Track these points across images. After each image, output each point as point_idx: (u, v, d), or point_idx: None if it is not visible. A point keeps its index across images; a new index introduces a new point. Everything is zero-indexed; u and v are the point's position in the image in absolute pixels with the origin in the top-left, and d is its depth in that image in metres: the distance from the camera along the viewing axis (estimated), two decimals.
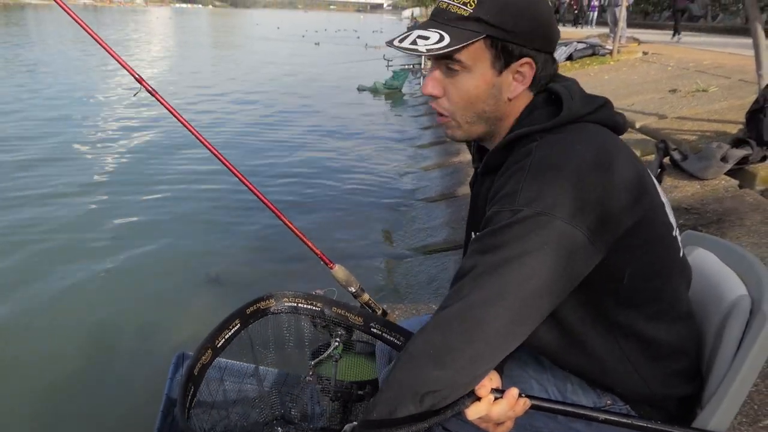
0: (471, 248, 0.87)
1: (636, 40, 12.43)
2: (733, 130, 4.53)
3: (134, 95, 1.17)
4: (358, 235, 4.68)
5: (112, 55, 1.18)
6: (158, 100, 1.20)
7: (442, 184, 5.57)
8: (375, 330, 1.21)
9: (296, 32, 44.21)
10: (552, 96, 0.96)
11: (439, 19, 0.92)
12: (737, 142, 3.87)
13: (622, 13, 10.60)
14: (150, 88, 1.19)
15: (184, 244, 4.42)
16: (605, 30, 14.08)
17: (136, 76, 1.18)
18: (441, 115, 0.99)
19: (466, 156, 6.28)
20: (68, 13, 1.20)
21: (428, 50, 0.89)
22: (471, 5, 0.89)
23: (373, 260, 4.13)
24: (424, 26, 0.93)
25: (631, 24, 14.67)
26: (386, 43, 0.97)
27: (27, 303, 3.46)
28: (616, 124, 0.95)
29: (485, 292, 0.81)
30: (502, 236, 0.82)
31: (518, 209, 0.81)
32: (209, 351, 1.17)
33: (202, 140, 1.22)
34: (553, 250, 0.80)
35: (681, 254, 0.98)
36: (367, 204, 5.44)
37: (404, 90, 13.13)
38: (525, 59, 0.92)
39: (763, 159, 3.76)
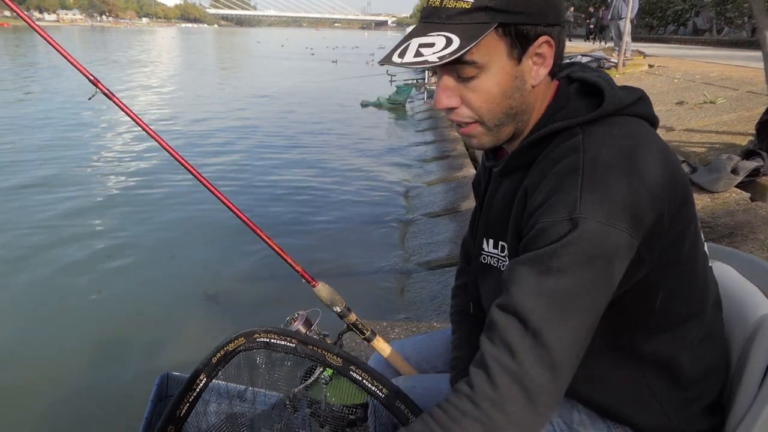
0: (523, 270, 0.73)
1: (641, 53, 12.39)
2: (743, 141, 4.43)
3: (89, 98, 1.09)
4: (359, 250, 4.59)
5: (65, 57, 1.11)
6: (116, 103, 1.12)
7: (445, 199, 5.48)
8: (354, 375, 1.11)
9: (304, 50, 44.55)
10: (584, 87, 0.85)
11: (436, 19, 0.79)
12: (748, 154, 3.78)
13: (626, 27, 10.57)
14: (106, 91, 1.10)
15: (174, 266, 4.34)
16: (637, 45, 14.01)
17: (91, 77, 1.09)
18: (464, 124, 0.86)
19: (470, 170, 6.20)
20: (22, 17, 1.13)
21: (440, 58, 0.75)
22: None
23: (374, 276, 4.04)
24: (422, 32, 0.79)
25: (636, 38, 14.64)
26: (381, 62, 0.84)
27: (20, 320, 3.41)
28: (654, 118, 0.85)
29: (560, 328, 0.71)
30: (566, 255, 0.71)
31: (579, 218, 0.70)
32: (170, 428, 1.07)
33: (165, 145, 1.14)
34: (617, 265, 0.72)
35: (710, 270, 0.89)
36: (369, 219, 5.36)
37: (407, 105, 13.11)
38: (542, 38, 0.80)
39: None
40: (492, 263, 0.97)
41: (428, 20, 0.80)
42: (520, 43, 0.79)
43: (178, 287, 3.94)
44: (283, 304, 3.43)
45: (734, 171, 3.59)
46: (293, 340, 1.12)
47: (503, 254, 0.93)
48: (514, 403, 0.70)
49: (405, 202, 5.85)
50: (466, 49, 0.75)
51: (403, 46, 0.80)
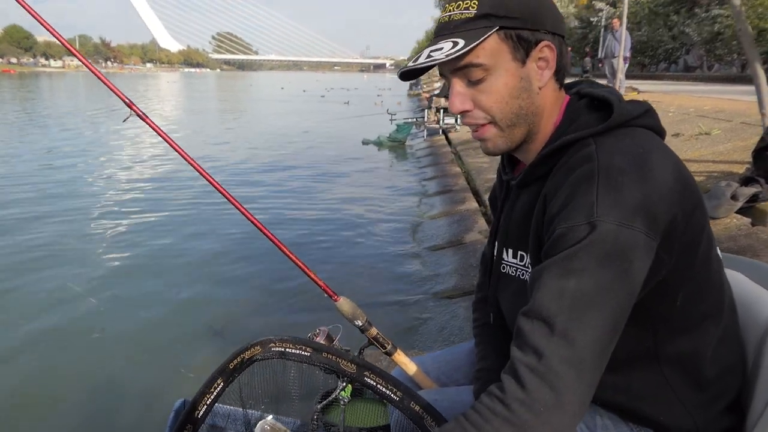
0: (545, 275, 0.77)
1: (635, 89, 12.67)
2: (740, 169, 4.51)
3: (123, 121, 1.17)
4: (365, 283, 4.61)
5: (101, 80, 1.18)
6: (149, 124, 1.19)
7: (449, 232, 5.53)
8: (369, 380, 1.12)
9: (302, 93, 45.35)
10: (594, 102, 0.92)
11: (446, 31, 0.89)
12: (746, 180, 3.85)
13: (620, 64, 10.85)
14: (140, 113, 1.18)
15: (188, 287, 4.42)
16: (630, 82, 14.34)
17: (126, 100, 1.16)
18: (479, 127, 0.92)
19: (472, 204, 6.26)
20: (57, 38, 1.20)
21: (447, 55, 0.84)
22: (473, 7, 0.86)
23: (381, 308, 4.05)
24: (433, 42, 0.89)
25: (628, 76, 15.01)
26: (399, 74, 0.94)
27: (28, 351, 3.42)
28: (662, 129, 0.91)
29: (585, 328, 0.73)
30: (586, 256, 0.74)
31: (596, 221, 0.74)
32: (188, 427, 1.10)
33: (196, 166, 1.20)
34: (636, 264, 0.75)
35: (724, 274, 0.93)
36: (374, 253, 5.39)
37: (408, 143, 13.30)
38: (543, 43, 0.88)
39: None
40: (511, 272, 1.01)
41: (439, 34, 0.90)
42: (522, 46, 0.87)
43: (194, 307, 4.02)
44: (302, 321, 3.55)
45: (734, 197, 3.65)
46: (308, 349, 1.14)
47: (522, 263, 0.97)
48: (543, 404, 0.72)
49: (409, 235, 5.89)
50: (471, 47, 0.84)
51: (417, 56, 0.89)
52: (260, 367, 1.30)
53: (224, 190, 1.20)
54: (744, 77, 17.48)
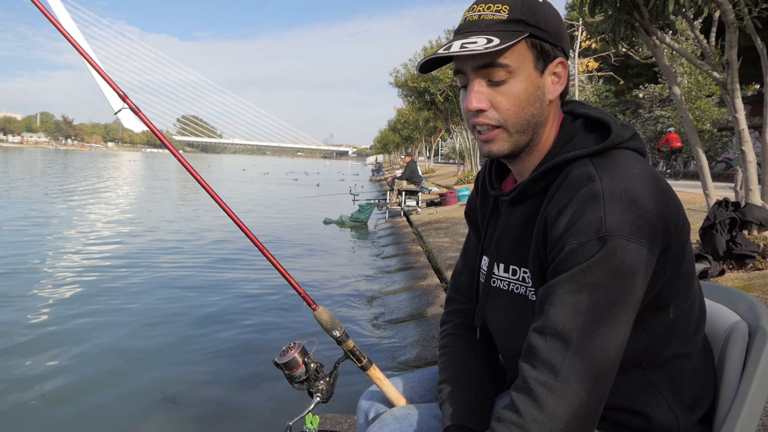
0: (558, 291, 0.79)
1: None
2: None
3: (115, 113, 1.17)
4: (326, 354, 4.49)
5: (99, 72, 1.20)
6: (141, 118, 1.19)
7: (410, 306, 5.52)
8: None
9: (277, 175, 45.85)
10: (588, 123, 0.95)
11: (475, 28, 0.90)
12: (696, 258, 4.03)
13: None
14: (133, 106, 1.19)
15: (164, 298, 4.18)
16: None
17: (120, 93, 1.17)
18: (488, 129, 0.93)
19: (434, 280, 6.30)
20: (57, 27, 1.23)
21: (486, 48, 0.85)
22: (504, 10, 0.88)
23: (342, 377, 3.93)
24: (462, 36, 0.89)
25: None
26: (421, 65, 0.94)
27: None
28: (645, 152, 0.96)
29: (600, 342, 0.75)
30: (599, 271, 0.77)
31: (606, 236, 0.77)
32: None
33: (185, 162, 1.20)
34: (640, 277, 0.78)
35: (700, 287, 0.98)
36: None
37: (369, 223, 13.43)
38: (559, 59, 0.92)
39: (721, 273, 3.90)
40: (502, 286, 1.02)
41: (466, 30, 0.91)
42: (543, 57, 0.91)
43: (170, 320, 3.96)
44: (278, 334, 3.39)
45: None
46: None
47: (515, 277, 0.99)
48: (563, 421, 0.72)
49: (370, 310, 5.83)
50: (507, 45, 0.86)
51: (446, 45, 0.90)
52: None
53: (217, 195, 1.20)
54: (687, 173, 18.73)
